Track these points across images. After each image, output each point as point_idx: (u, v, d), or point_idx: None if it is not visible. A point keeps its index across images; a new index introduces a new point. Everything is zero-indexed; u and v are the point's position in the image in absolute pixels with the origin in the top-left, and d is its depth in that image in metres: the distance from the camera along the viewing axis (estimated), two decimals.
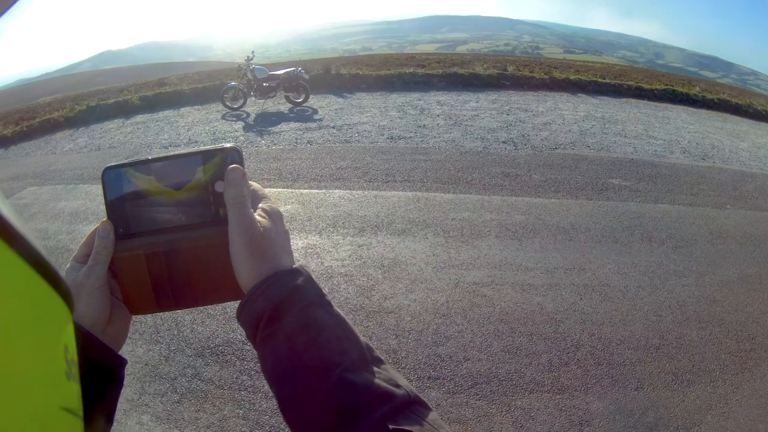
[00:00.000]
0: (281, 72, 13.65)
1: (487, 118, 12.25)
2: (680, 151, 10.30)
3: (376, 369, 0.61)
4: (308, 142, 10.49)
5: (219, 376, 3.94)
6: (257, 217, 0.67)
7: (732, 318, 4.64)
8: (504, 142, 10.14)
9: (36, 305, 0.32)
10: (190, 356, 4.17)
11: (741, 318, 4.65)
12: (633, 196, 7.48)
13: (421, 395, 0.61)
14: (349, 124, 11.74)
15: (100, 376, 0.65)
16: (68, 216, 7.38)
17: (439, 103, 14.02)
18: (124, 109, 15.49)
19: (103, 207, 0.70)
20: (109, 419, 0.67)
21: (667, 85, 17.40)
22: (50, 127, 14.97)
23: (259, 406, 3.64)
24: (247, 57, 13.87)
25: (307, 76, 13.91)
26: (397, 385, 0.59)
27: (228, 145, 0.71)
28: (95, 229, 0.70)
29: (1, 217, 0.29)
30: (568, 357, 4.05)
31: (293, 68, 13.76)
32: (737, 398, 3.72)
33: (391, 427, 0.54)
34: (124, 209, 0.69)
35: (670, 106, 15.32)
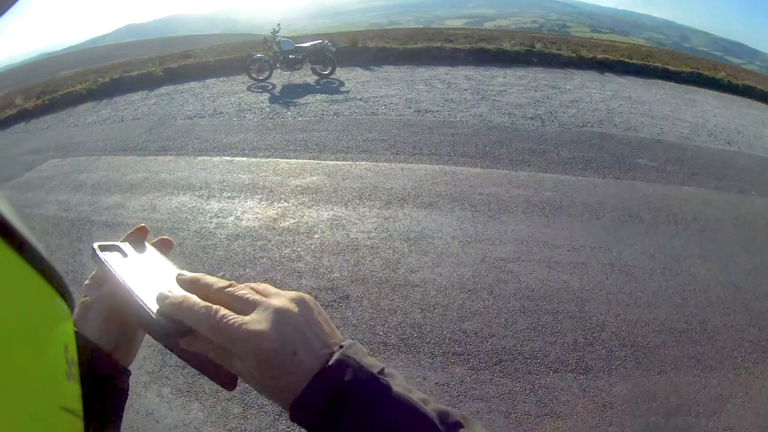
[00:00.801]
0: (308, 44, 13.38)
1: (515, 94, 11.91)
2: (706, 134, 9.93)
3: None
4: (335, 114, 10.27)
5: None
6: (258, 327, 0.51)
7: (755, 306, 4.44)
8: (531, 118, 9.84)
9: (36, 305, 0.32)
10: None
11: (764, 307, 4.44)
12: (659, 177, 7.22)
13: None
14: (376, 97, 11.47)
15: (105, 386, 0.61)
16: (90, 187, 7.34)
17: (466, 77, 13.66)
18: (148, 82, 15.32)
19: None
20: (117, 428, 0.63)
21: (693, 68, 16.86)
22: (72, 100, 14.81)
23: None
24: (273, 29, 13.66)
25: (333, 49, 13.61)
26: None
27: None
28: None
29: (2, 218, 0.28)
30: (593, 337, 3.90)
31: (319, 40, 13.46)
32: (757, 387, 3.56)
33: None
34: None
35: (696, 89, 14.82)
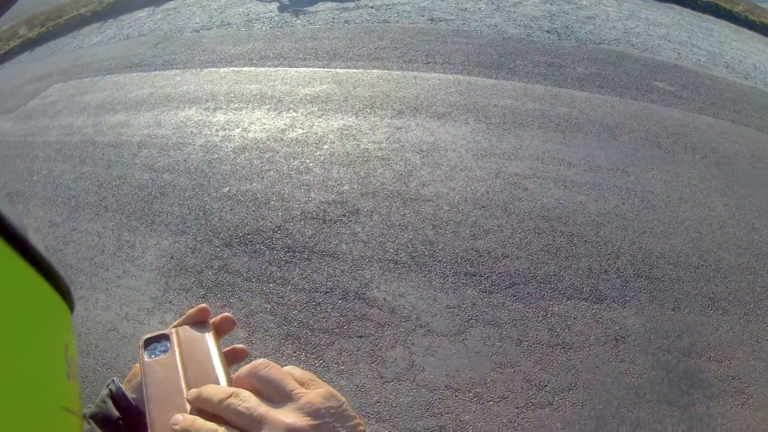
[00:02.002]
0: None
1: (530, 5, 10.96)
2: (723, 65, 9.23)
3: None
4: (345, 21, 9.40)
5: (247, 267, 3.52)
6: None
7: None
8: (548, 31, 9.05)
9: (36, 305, 0.31)
10: (218, 247, 3.75)
11: None
12: (677, 102, 6.64)
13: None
14: (388, 4, 10.45)
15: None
16: (94, 108, 6.77)
17: None
18: None
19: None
20: None
21: None
22: (77, 23, 13.68)
23: (288, 299, 3.22)
24: None
25: None
26: None
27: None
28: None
29: (2, 218, 0.28)
30: (608, 264, 3.52)
31: None
32: None
33: None
34: None
35: (712, 18, 13.97)
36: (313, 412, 0.43)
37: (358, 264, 3.51)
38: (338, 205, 4.11)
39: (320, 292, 3.28)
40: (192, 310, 0.62)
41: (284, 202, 4.14)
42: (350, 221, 3.92)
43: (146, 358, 0.54)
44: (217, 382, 0.51)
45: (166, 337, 0.58)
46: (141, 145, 5.47)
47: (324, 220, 3.92)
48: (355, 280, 3.38)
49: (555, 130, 5.20)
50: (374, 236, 3.75)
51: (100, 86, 7.75)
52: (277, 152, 4.90)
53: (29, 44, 13.20)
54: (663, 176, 4.71)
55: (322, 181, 4.44)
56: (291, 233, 3.79)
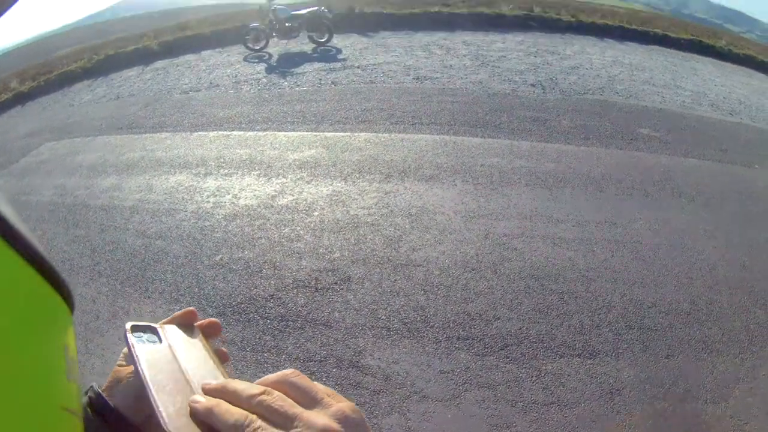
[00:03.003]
0: (304, 11, 12.83)
1: (515, 59, 11.52)
2: (708, 104, 9.63)
3: None
4: (332, 82, 9.90)
5: (241, 336, 3.69)
6: None
7: (761, 286, 4.28)
8: (532, 85, 9.50)
9: (36, 305, 0.32)
10: (212, 315, 3.85)
11: None
12: (662, 147, 6.96)
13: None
14: (374, 64, 11.07)
15: None
16: (86, 170, 7.10)
17: (465, 43, 13.22)
18: (143, 56, 14.80)
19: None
20: None
21: (693, 35, 16.49)
22: (68, 79, 14.39)
23: (283, 368, 3.37)
24: None
25: (330, 15, 13.08)
26: None
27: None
28: None
29: (2, 217, 0.28)
30: (599, 319, 3.73)
31: (316, 7, 12.94)
32: (764, 372, 3.43)
33: None
34: None
35: (696, 56, 14.48)
36: (343, 419, 0.46)
37: (351, 332, 3.70)
38: (330, 272, 4.31)
39: (314, 361, 3.44)
40: (179, 312, 0.65)
41: (276, 271, 4.35)
42: (342, 289, 4.12)
43: (137, 343, 0.54)
44: (216, 378, 0.55)
45: (153, 329, 0.59)
46: (133, 210, 5.73)
47: (316, 289, 4.12)
48: (349, 348, 3.57)
49: (542, 187, 5.49)
50: (366, 303, 3.94)
51: (91, 147, 8.07)
52: (268, 219, 5.15)
53: (21, 98, 13.78)
54: (651, 225, 4.96)
55: (313, 248, 4.66)
56: (284, 302, 3.98)
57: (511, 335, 3.53)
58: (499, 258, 4.31)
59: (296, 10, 12.99)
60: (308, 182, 5.85)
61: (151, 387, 0.49)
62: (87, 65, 14.94)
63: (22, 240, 0.30)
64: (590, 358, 3.40)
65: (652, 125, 7.78)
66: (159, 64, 13.92)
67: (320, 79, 10.18)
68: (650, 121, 7.95)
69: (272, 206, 5.37)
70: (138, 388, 0.54)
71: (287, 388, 0.49)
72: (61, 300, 0.35)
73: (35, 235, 0.31)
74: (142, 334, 0.57)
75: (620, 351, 3.48)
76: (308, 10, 12.86)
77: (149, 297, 4.24)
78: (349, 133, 7.15)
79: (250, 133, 7.65)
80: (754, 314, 3.94)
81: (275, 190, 5.72)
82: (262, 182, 5.98)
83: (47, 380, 0.31)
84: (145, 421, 0.59)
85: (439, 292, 3.99)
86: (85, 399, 0.59)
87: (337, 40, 13.32)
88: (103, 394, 0.60)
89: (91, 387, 0.61)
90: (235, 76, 11.25)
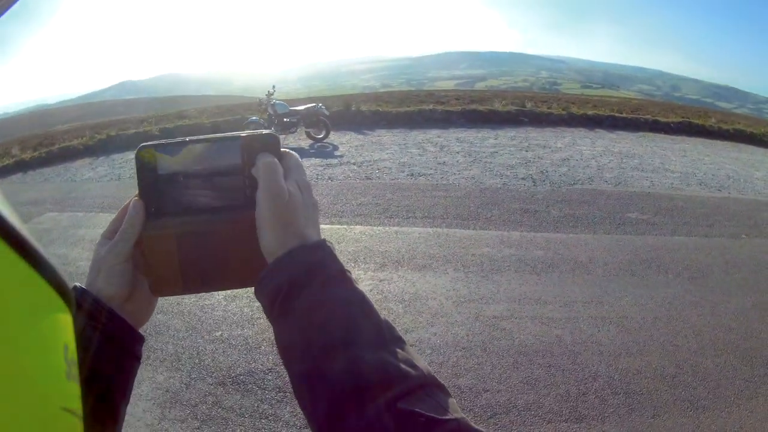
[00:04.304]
0: (302, 108, 13.87)
1: (506, 154, 12.45)
2: (696, 183, 10.35)
3: (394, 349, 0.58)
4: (329, 178, 10.62)
5: (240, 404, 4.01)
6: (287, 184, 0.66)
7: (747, 345, 4.70)
8: (523, 178, 10.30)
9: (36, 305, 0.32)
10: (211, 384, 4.25)
11: (756, 344, 4.71)
12: (650, 229, 7.57)
13: (440, 379, 0.59)
14: (370, 161, 11.95)
15: (116, 350, 0.67)
16: (88, 243, 7.47)
17: (458, 140, 14.27)
18: (144, 140, 15.54)
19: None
20: (125, 396, 0.69)
21: (683, 117, 17.49)
22: (70, 154, 15.34)
23: None
24: (268, 92, 14.19)
25: (327, 113, 14.10)
26: (414, 366, 0.57)
27: (265, 131, 0.71)
28: (126, 206, 0.70)
29: (1, 217, 0.30)
30: (585, 387, 4.12)
31: (314, 104, 14.01)
32: (752, 422, 3.76)
33: (400, 408, 0.53)
34: (157, 188, 0.69)
35: (686, 138, 15.40)
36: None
37: None
38: None
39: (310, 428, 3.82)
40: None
41: (274, 348, 4.69)
42: None
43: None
44: None
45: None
46: None
47: None
48: None
49: (531, 273, 6.03)
50: None
51: (93, 222, 8.50)
52: None
53: (22, 166, 14.51)
54: (637, 300, 5.44)
55: None
56: (281, 375, 4.30)
57: (499, 405, 3.94)
58: (489, 337, 4.77)
59: (294, 106, 14.02)
60: None
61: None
62: (89, 142, 15.99)
63: (21, 239, 0.30)
64: (577, 423, 3.79)
65: (640, 209, 8.43)
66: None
67: (317, 175, 10.88)
68: (638, 205, 8.61)
69: None
70: (128, 250, 0.68)
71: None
72: (60, 300, 0.35)
73: (34, 236, 0.32)
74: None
75: (606, 415, 3.86)
76: (306, 106, 13.90)
77: (150, 364, 4.48)
78: (345, 226, 7.72)
79: None
80: (741, 371, 4.33)
81: None
82: None
83: (47, 380, 0.32)
84: (130, 298, 0.69)
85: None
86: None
87: (334, 137, 14.30)
88: (88, 290, 0.67)
89: (74, 287, 0.65)
90: None
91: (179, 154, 0.69)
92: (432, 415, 0.53)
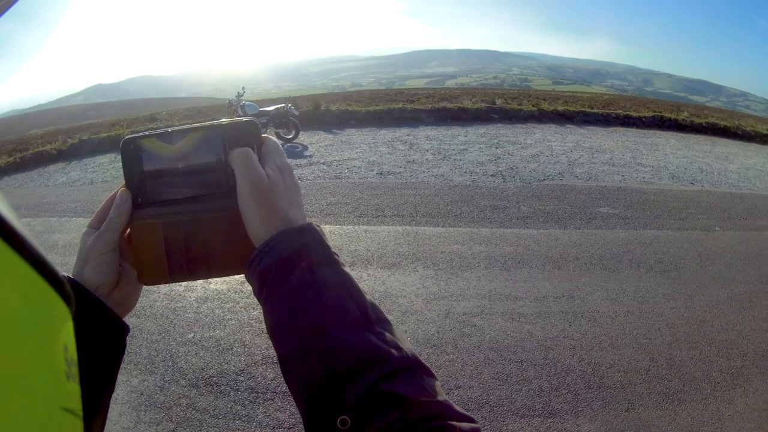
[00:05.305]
0: (271, 108, 13.97)
1: (476, 152, 12.56)
2: (668, 176, 10.56)
3: (379, 330, 0.60)
4: (299, 178, 10.25)
5: (214, 405, 4.02)
6: (266, 170, 0.68)
7: (722, 337, 4.81)
8: (493, 175, 10.41)
9: (36, 305, 0.32)
10: (185, 386, 4.25)
11: (731, 336, 4.82)
12: (621, 223, 7.70)
13: (424, 361, 0.61)
14: (339, 160, 12.01)
15: (101, 340, 0.68)
16: (62, 248, 7.50)
17: (428, 138, 14.36)
18: (116, 144, 15.72)
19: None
20: (110, 385, 0.71)
21: (655, 111, 17.78)
22: (43, 159, 15.44)
23: None
24: (238, 93, 14.32)
25: (297, 113, 14.24)
26: (398, 348, 0.59)
27: (245, 118, 0.73)
28: (112, 195, 0.72)
29: (1, 217, 0.30)
30: (558, 382, 4.17)
31: (283, 105, 14.10)
32: (729, 413, 3.84)
33: (383, 389, 0.54)
34: (143, 179, 0.71)
35: (658, 132, 15.68)
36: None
37: None
38: None
39: (283, 428, 3.78)
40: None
41: (246, 349, 4.72)
42: None
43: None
44: None
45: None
46: None
47: None
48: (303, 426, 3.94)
49: (501, 269, 6.09)
50: None
51: (67, 227, 8.50)
52: (238, 303, 5.56)
53: None
54: (608, 295, 5.53)
55: None
56: (254, 376, 4.33)
57: (472, 401, 3.96)
58: (459, 334, 4.81)
59: (264, 107, 14.12)
60: None
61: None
62: (62, 147, 16.12)
63: (21, 239, 0.31)
64: (550, 417, 3.83)
65: (611, 203, 8.57)
66: None
67: None
68: (609, 200, 8.76)
69: (242, 291, 5.79)
70: (114, 239, 0.70)
71: None
72: (60, 300, 0.35)
73: (34, 236, 0.33)
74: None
75: (580, 409, 3.91)
76: (275, 107, 14.00)
77: (124, 368, 4.32)
78: None
79: None
80: (717, 362, 4.44)
81: (244, 277, 6.13)
82: None
83: (47, 380, 0.32)
84: (117, 287, 0.72)
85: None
86: None
87: (304, 137, 14.38)
88: (75, 279, 0.69)
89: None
90: None
91: (164, 145, 0.71)
92: (414, 397, 0.55)
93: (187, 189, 0.71)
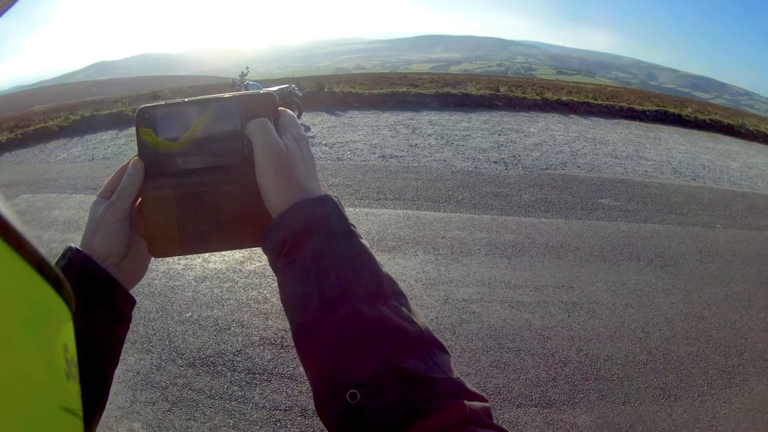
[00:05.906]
0: (275, 88, 13.70)
1: (479, 138, 12.50)
2: (671, 171, 10.52)
3: (393, 303, 0.59)
4: None
5: (210, 386, 4.01)
6: (284, 141, 0.68)
7: (720, 334, 4.78)
8: (495, 162, 10.35)
9: (36, 305, 0.32)
10: (182, 366, 4.24)
11: (729, 334, 4.79)
12: (622, 215, 7.66)
13: (438, 337, 0.61)
14: (342, 142, 11.97)
15: (107, 312, 0.69)
16: (62, 225, 7.48)
17: (431, 122, 14.28)
18: (117, 121, 15.87)
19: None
20: (114, 359, 0.72)
21: (659, 106, 17.72)
22: (44, 135, 15.44)
23: (250, 416, 3.71)
24: (242, 72, 14.26)
25: (300, 93, 14.15)
26: (412, 322, 0.59)
27: (263, 90, 0.73)
28: (124, 165, 0.72)
29: (1, 217, 0.29)
30: (555, 372, 4.16)
31: (287, 85, 14.00)
32: (725, 412, 3.83)
33: (395, 364, 0.54)
34: (157, 149, 0.71)
35: (661, 126, 15.62)
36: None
37: None
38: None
39: (280, 410, 3.76)
40: None
41: (244, 329, 4.71)
42: None
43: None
44: None
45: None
46: None
47: (282, 346, 4.48)
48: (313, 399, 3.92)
49: (501, 256, 6.05)
50: None
51: (66, 204, 8.46)
52: (236, 282, 5.55)
53: None
54: (608, 287, 5.50)
55: (279, 310, 4.93)
56: (251, 357, 4.33)
57: None
58: (458, 320, 4.79)
59: (267, 87, 13.89)
60: None
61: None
62: (63, 123, 16.13)
63: (21, 239, 0.30)
64: (547, 408, 3.82)
65: (613, 195, 8.53)
66: (132, 130, 14.62)
67: None
68: (611, 192, 8.71)
69: (240, 271, 5.78)
70: (126, 209, 0.69)
71: None
72: (60, 300, 0.35)
73: (34, 236, 0.32)
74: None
75: (576, 400, 3.90)
76: (279, 87, 13.85)
77: (124, 351, 4.50)
78: None
79: None
80: (714, 360, 4.42)
81: (243, 257, 6.14)
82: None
83: (47, 380, 0.32)
84: (126, 257, 0.72)
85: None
86: (64, 262, 0.67)
87: (306, 118, 14.30)
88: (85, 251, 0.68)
89: (69, 248, 0.68)
90: None
91: (179, 115, 0.71)
92: (426, 373, 0.54)
93: (200, 159, 0.70)
